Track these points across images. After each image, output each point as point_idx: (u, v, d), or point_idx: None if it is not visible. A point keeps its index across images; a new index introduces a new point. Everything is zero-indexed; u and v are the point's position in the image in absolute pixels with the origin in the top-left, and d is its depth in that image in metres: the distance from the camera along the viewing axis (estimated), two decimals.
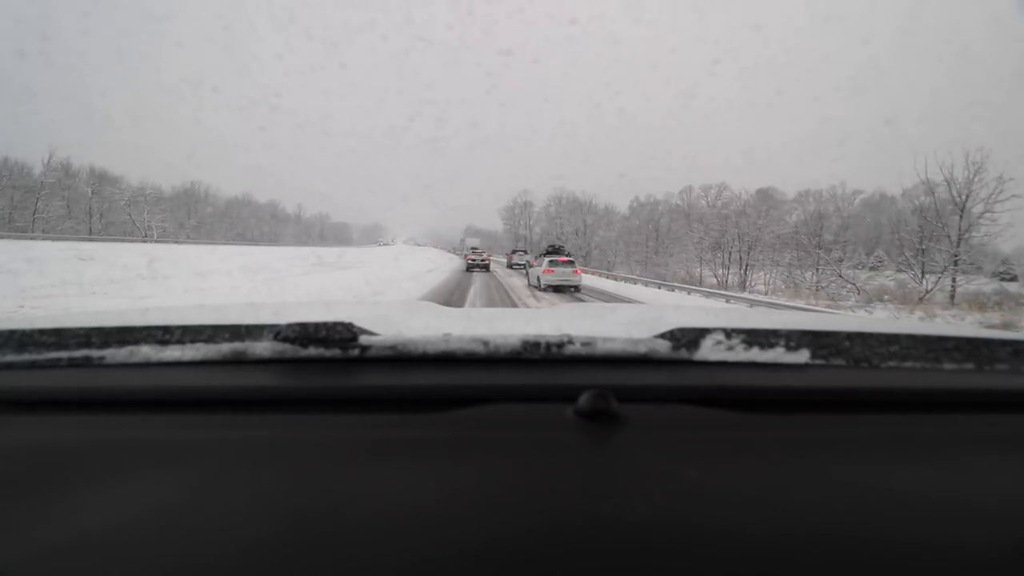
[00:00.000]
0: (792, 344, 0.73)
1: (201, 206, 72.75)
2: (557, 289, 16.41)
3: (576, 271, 16.86)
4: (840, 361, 0.74)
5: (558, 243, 25.66)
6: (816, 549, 0.39)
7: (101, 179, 56.35)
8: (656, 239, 48.65)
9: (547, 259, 17.43)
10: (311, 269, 22.35)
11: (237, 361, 0.70)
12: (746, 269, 33.84)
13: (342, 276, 18.38)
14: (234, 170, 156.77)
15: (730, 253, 34.97)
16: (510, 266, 31.90)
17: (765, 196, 53.78)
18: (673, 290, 20.37)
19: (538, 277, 16.86)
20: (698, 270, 38.35)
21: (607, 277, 27.22)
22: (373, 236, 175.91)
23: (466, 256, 33.73)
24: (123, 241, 38.97)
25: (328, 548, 0.38)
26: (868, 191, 47.71)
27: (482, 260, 28.94)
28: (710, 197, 59.06)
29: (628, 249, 49.75)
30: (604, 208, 58.08)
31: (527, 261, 27.07)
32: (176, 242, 47.08)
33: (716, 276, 35.71)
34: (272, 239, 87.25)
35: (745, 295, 21.47)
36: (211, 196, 76.56)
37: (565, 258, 17.55)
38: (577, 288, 16.70)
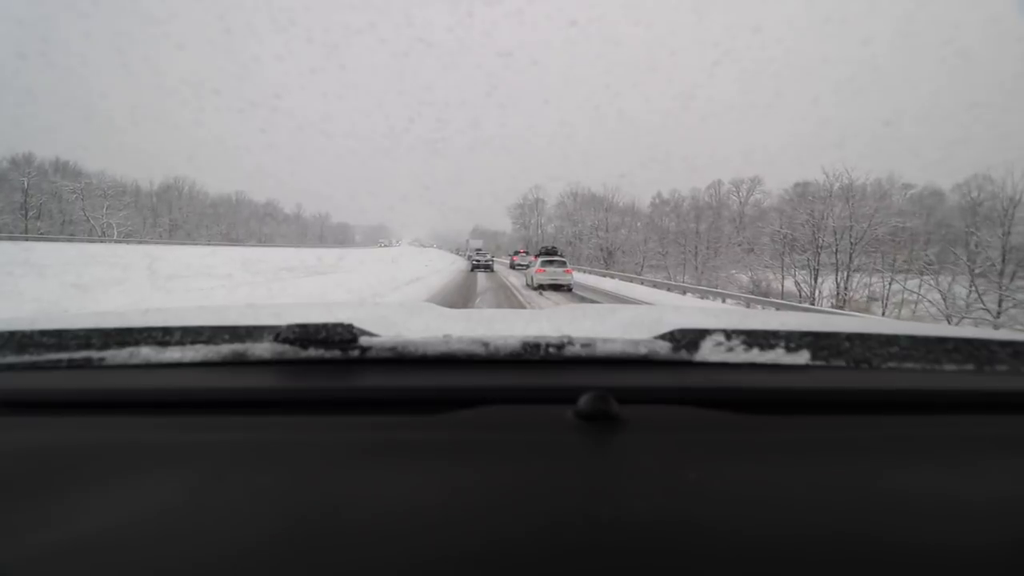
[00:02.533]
0: (792, 345, 0.74)
1: (185, 203, 64.71)
2: (553, 287, 17.57)
3: (567, 271, 18.29)
4: (840, 362, 0.74)
5: (551, 245, 27.45)
6: (817, 550, 0.39)
7: (63, 172, 48.60)
8: (697, 237, 40.50)
9: (540, 260, 18.88)
10: (274, 276, 18.74)
11: (237, 362, 0.71)
12: (848, 276, 25.50)
13: (312, 285, 15.60)
14: (237, 172, 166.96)
15: (819, 254, 26.62)
16: (512, 267, 35.36)
17: (805, 190, 44.62)
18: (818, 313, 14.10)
19: (532, 276, 18.08)
20: (769, 275, 30.06)
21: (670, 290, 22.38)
22: (378, 237, 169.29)
23: (468, 256, 38.72)
24: (54, 240, 31.53)
25: (328, 550, 0.38)
26: (918, 185, 40.21)
27: (486, 261, 31.57)
28: (742, 192, 53.45)
29: (665, 249, 41.48)
30: (628, 204, 50.18)
31: (529, 262, 29.00)
32: (140, 242, 44.61)
33: (799, 284, 27.54)
34: (264, 240, 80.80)
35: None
36: (197, 193, 68.93)
37: (557, 259, 19.10)
38: (569, 287, 17.94)
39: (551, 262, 18.48)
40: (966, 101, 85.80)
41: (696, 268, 41.16)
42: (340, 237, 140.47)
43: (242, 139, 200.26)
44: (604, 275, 29.34)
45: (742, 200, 52.41)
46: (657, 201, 58.49)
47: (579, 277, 25.37)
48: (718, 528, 0.41)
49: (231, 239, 74.22)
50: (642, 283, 24.33)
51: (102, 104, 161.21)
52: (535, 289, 17.54)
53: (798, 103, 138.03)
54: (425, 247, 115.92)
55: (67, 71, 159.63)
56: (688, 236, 43.94)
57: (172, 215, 66.43)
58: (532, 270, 18.73)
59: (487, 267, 30.22)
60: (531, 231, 67.21)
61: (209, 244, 54.20)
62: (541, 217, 67.06)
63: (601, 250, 48.08)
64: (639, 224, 50.55)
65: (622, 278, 26.68)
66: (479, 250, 41.57)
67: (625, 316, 1.33)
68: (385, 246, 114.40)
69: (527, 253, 36.10)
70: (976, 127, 74.48)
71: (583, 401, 0.56)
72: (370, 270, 22.78)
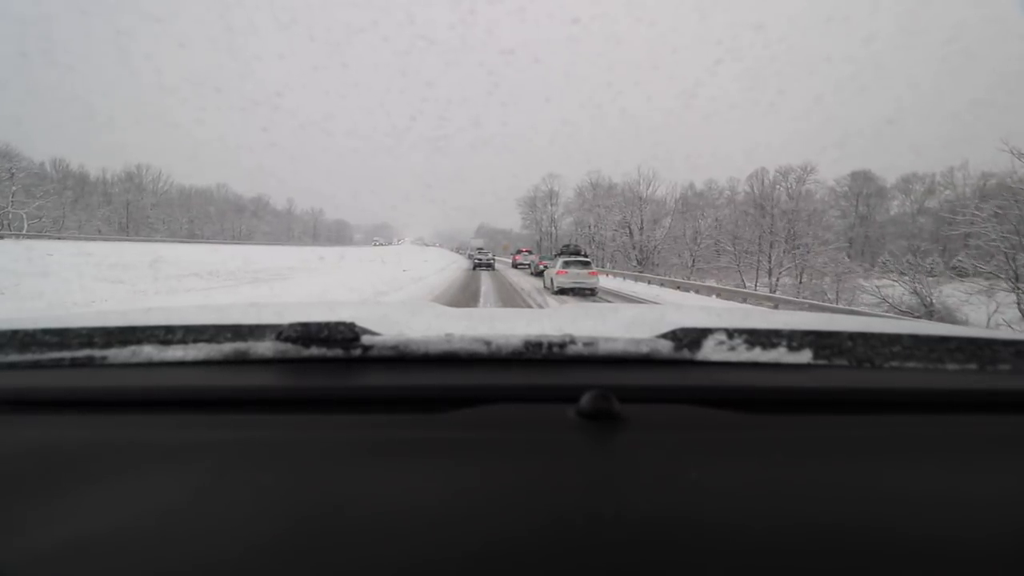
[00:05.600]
0: (794, 344, 0.74)
1: (148, 195, 53.85)
2: (575, 292, 16.08)
3: (592, 272, 16.27)
4: (842, 361, 0.75)
5: (574, 244, 25.06)
6: (819, 548, 0.40)
7: None
8: (771, 233, 29.74)
9: (561, 260, 16.93)
10: (155, 287, 13.38)
11: (239, 361, 0.72)
12: None
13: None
14: (238, 171, 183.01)
15: None
16: (515, 266, 35.66)
17: (862, 181, 42.36)
18: None
19: (551, 279, 16.13)
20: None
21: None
22: (384, 236, 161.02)
23: (470, 255, 41.47)
24: None
25: (331, 549, 0.39)
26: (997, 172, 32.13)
27: (487, 260, 33.12)
28: (791, 182, 45.89)
29: (738, 250, 30.57)
30: (665, 195, 39.73)
31: (531, 261, 30.32)
32: (58, 237, 37.51)
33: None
34: (240, 236, 72.20)
35: None
36: (165, 185, 58.23)
37: (580, 259, 17.22)
38: (593, 291, 16.09)
39: (574, 263, 16.37)
40: (968, 99, 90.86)
41: (769, 272, 30.01)
42: (336, 235, 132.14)
43: (244, 137, 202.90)
44: (677, 286, 21.32)
45: (791, 191, 41.38)
46: (690, 193, 47.53)
47: (628, 286, 20.81)
48: (720, 526, 0.42)
49: (191, 234, 69.85)
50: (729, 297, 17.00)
51: (102, 102, 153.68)
52: (555, 294, 15.64)
53: (801, 101, 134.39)
54: (427, 246, 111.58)
55: (67, 69, 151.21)
56: (762, 231, 32.70)
57: (117, 207, 55.40)
58: (552, 271, 16.88)
59: (488, 266, 32.27)
60: (544, 227, 56.48)
61: (146, 240, 45.18)
62: (556, 209, 56.36)
63: (634, 248, 37.21)
64: (676, 218, 39.67)
65: (719, 292, 18.26)
66: (480, 249, 43.86)
67: (627, 315, 1.36)
68: (380, 245, 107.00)
69: (530, 252, 36.84)
70: (978, 126, 77.46)
71: (585, 400, 0.57)
72: (345, 274, 19.68)
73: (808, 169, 46.59)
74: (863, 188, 51.25)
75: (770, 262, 33.76)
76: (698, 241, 38.97)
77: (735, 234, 36.18)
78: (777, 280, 31.56)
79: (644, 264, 38.58)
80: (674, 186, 47.56)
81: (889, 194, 51.77)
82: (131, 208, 61.56)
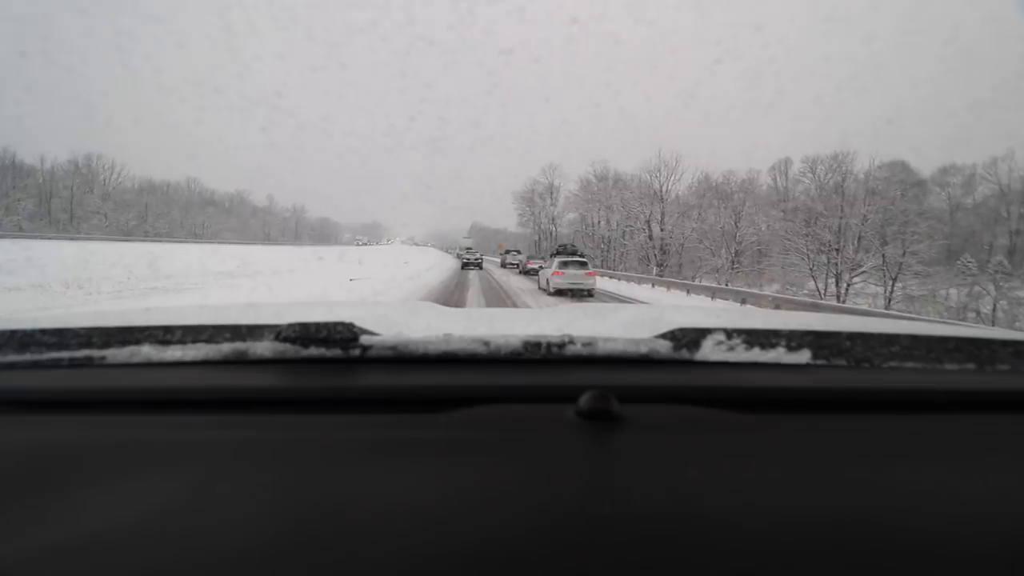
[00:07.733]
0: (793, 344, 0.76)
1: (97, 187, 46.67)
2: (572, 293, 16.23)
3: (589, 273, 16.19)
4: (841, 361, 0.76)
5: (570, 244, 23.98)
6: (817, 550, 0.41)
7: None
8: (839, 230, 22.94)
9: (557, 260, 16.02)
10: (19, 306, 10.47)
11: (238, 361, 0.73)
12: None
13: None
14: (235, 171, 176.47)
15: None
16: (503, 265, 38.20)
17: (896, 171, 32.99)
18: None
19: (547, 279, 15.83)
20: None
21: None
22: (372, 235, 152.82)
23: (458, 255, 45.62)
24: None
25: (330, 549, 0.39)
26: None
27: (475, 259, 35.60)
28: (819, 173, 40.18)
29: (809, 249, 24.06)
30: (691, 184, 33.35)
31: (520, 261, 31.80)
32: None
33: None
34: (202, 235, 64.27)
35: None
36: (119, 176, 50.78)
37: (577, 259, 16.87)
38: (590, 293, 15.95)
39: (571, 263, 15.68)
40: (968, 99, 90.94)
41: (837, 278, 23.27)
42: (320, 234, 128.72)
43: (243, 138, 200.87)
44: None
45: (820, 181, 35.25)
46: (704, 188, 41.33)
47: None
48: (719, 526, 0.43)
49: (126, 232, 63.65)
50: None
51: (102, 102, 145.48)
52: (552, 295, 15.21)
53: (800, 101, 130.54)
54: (419, 245, 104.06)
55: (67, 69, 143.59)
56: (827, 227, 25.87)
57: (29, 200, 47.67)
58: (548, 272, 16.25)
59: (477, 265, 34.55)
60: (543, 225, 49.72)
61: (110, 241, 40.01)
62: (556, 208, 49.68)
63: (653, 246, 30.70)
64: (708, 211, 32.84)
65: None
66: (469, 248, 47.53)
67: (626, 315, 1.39)
68: (364, 244, 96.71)
69: (519, 252, 37.96)
70: (978, 126, 79.30)
71: (584, 400, 0.58)
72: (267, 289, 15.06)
73: (838, 159, 40.26)
74: (900, 181, 45.29)
75: (839, 264, 26.88)
76: (738, 238, 32.91)
77: (807, 231, 28.22)
78: (847, 288, 25.30)
79: (665, 266, 32.29)
80: (699, 172, 41.44)
81: (927, 187, 46.00)
82: (73, 202, 56.69)
